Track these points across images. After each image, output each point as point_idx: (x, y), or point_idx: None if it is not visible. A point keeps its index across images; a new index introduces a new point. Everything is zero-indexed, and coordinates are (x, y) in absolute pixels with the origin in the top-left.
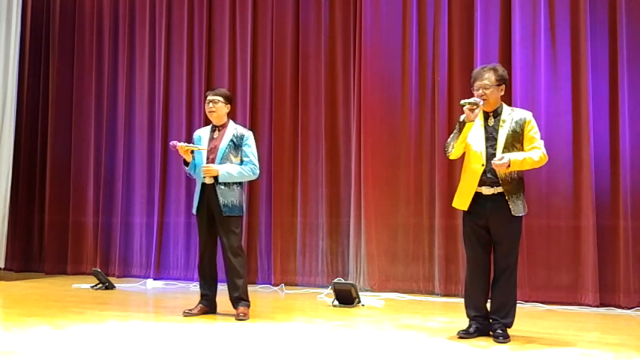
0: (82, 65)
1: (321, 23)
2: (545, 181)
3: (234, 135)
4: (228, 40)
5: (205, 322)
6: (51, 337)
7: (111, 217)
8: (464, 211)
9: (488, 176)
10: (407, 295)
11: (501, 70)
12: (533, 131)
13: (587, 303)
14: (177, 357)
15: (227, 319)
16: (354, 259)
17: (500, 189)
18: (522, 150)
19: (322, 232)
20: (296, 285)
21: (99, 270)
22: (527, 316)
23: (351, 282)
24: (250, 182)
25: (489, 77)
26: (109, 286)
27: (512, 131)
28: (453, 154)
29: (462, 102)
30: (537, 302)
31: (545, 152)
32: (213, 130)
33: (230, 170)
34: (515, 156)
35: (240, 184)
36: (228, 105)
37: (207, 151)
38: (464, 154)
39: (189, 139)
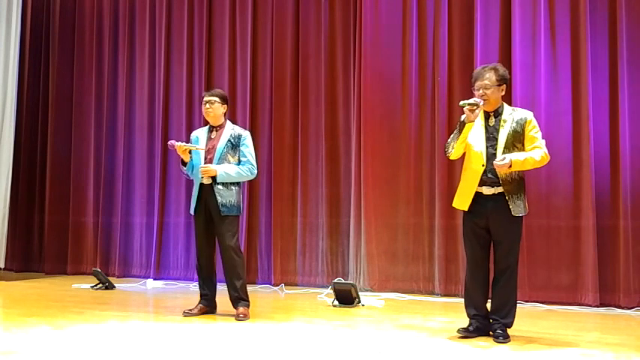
0: (82, 65)
1: (321, 23)
2: (545, 181)
3: (231, 135)
4: (228, 40)
5: (205, 322)
6: (51, 337)
7: (111, 217)
8: (464, 211)
9: (489, 176)
10: (407, 295)
11: (502, 69)
12: (534, 131)
13: (587, 303)
14: (177, 357)
15: (227, 319)
16: (354, 259)
17: (500, 189)
18: (523, 150)
19: (322, 232)
20: (296, 285)
21: (99, 270)
22: (527, 316)
23: (351, 282)
24: (250, 182)
25: (490, 77)
26: (109, 286)
27: (513, 131)
28: (454, 154)
29: (462, 103)
30: (537, 302)
31: (546, 152)
32: (210, 131)
33: (228, 170)
34: (516, 156)
35: (238, 183)
36: (225, 105)
37: (205, 152)
38: (464, 154)
39: (189, 140)
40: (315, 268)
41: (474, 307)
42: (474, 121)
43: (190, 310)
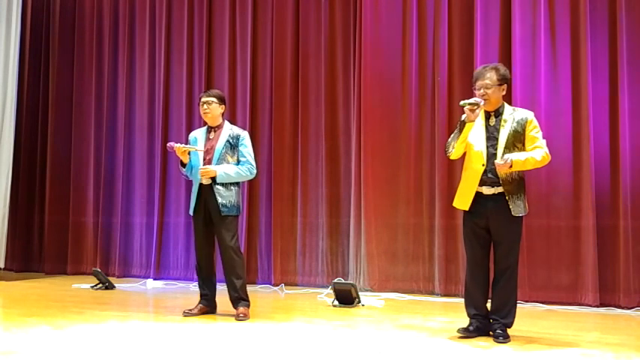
0: (82, 65)
1: (321, 23)
2: (545, 181)
3: (229, 135)
4: (228, 40)
5: (205, 322)
6: (51, 337)
7: (111, 217)
8: (464, 210)
9: (489, 176)
10: (407, 295)
11: (503, 69)
12: (535, 131)
13: (587, 303)
14: (177, 357)
15: (227, 319)
16: (354, 259)
17: (500, 189)
18: (524, 150)
19: (322, 232)
20: (296, 285)
21: (99, 270)
22: (527, 316)
23: (351, 282)
24: (250, 182)
25: (491, 77)
26: (109, 286)
27: (513, 131)
28: (454, 154)
29: (462, 103)
30: (537, 302)
31: (547, 152)
32: (208, 131)
33: (227, 171)
34: (517, 156)
35: (237, 184)
36: (223, 105)
37: (204, 152)
38: (464, 153)
39: (188, 141)
40: (315, 268)
41: (474, 307)
42: (474, 121)
43: (190, 310)
